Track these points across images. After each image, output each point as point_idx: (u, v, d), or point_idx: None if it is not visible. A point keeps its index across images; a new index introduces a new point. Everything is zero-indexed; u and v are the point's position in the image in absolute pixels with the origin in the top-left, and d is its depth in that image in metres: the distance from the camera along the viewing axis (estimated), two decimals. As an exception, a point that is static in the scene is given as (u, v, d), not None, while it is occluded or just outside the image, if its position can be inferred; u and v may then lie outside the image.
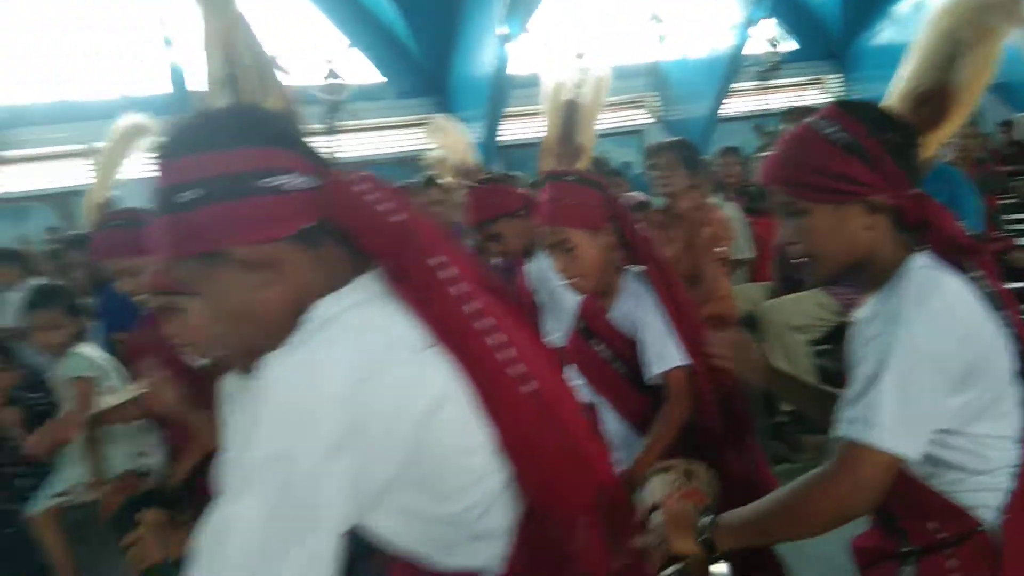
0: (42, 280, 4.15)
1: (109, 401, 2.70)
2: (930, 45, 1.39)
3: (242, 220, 0.87)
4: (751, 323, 3.55)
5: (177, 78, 8.28)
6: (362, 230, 0.92)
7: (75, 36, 8.98)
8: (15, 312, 4.21)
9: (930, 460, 1.19)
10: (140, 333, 2.31)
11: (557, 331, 2.12)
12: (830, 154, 1.21)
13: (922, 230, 1.24)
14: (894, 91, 1.40)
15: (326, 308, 0.89)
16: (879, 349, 1.14)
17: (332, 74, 9.31)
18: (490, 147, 9.21)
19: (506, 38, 8.54)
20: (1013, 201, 5.77)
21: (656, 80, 10.80)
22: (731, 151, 5.34)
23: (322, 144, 0.98)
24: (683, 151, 3.42)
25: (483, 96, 9.03)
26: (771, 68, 10.85)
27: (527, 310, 2.32)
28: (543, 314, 2.42)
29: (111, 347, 3.04)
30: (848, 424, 1.15)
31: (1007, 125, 8.30)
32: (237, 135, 0.89)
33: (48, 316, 2.74)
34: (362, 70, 9.98)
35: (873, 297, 1.25)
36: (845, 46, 11.32)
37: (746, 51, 9.88)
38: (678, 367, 1.86)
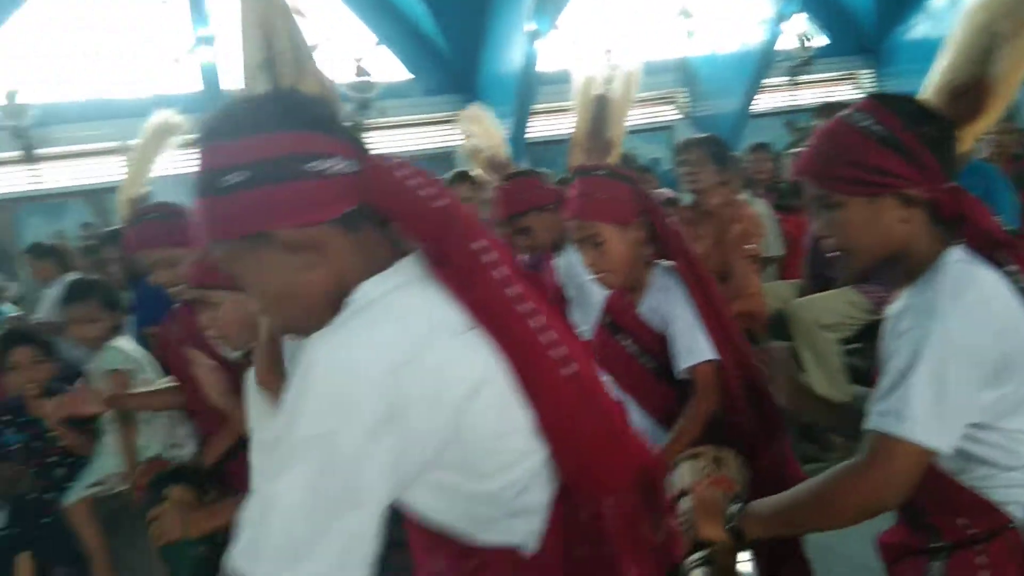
0: (79, 275, 4.23)
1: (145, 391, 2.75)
2: (966, 38, 1.37)
3: (286, 204, 0.88)
4: (780, 321, 3.53)
5: (208, 77, 8.38)
6: (404, 214, 0.93)
7: (109, 36, 9.12)
8: (52, 306, 4.31)
9: (961, 455, 1.17)
10: (170, 326, 2.35)
11: (585, 326, 2.12)
12: (865, 147, 1.20)
13: (957, 224, 1.23)
14: (929, 85, 1.38)
15: (368, 291, 0.90)
16: (913, 342, 1.13)
17: (361, 71, 9.36)
18: (518, 144, 9.20)
19: (535, 35, 8.53)
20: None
21: (685, 76, 10.72)
22: (761, 147, 5.31)
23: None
24: (713, 147, 3.41)
25: (511, 93, 9.03)
26: (802, 63, 10.71)
27: (556, 304, 2.32)
28: (571, 308, 2.42)
29: (144, 341, 3.10)
30: (879, 417, 1.14)
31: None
32: (281, 119, 0.90)
33: (84, 310, 2.80)
34: (390, 68, 10.02)
35: (906, 291, 1.24)
36: (878, 41, 11.15)
37: (777, 46, 9.77)
38: (706, 361, 1.86)
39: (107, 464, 2.79)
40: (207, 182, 0.90)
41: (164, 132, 2.50)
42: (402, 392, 0.83)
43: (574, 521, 0.96)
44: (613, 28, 10.58)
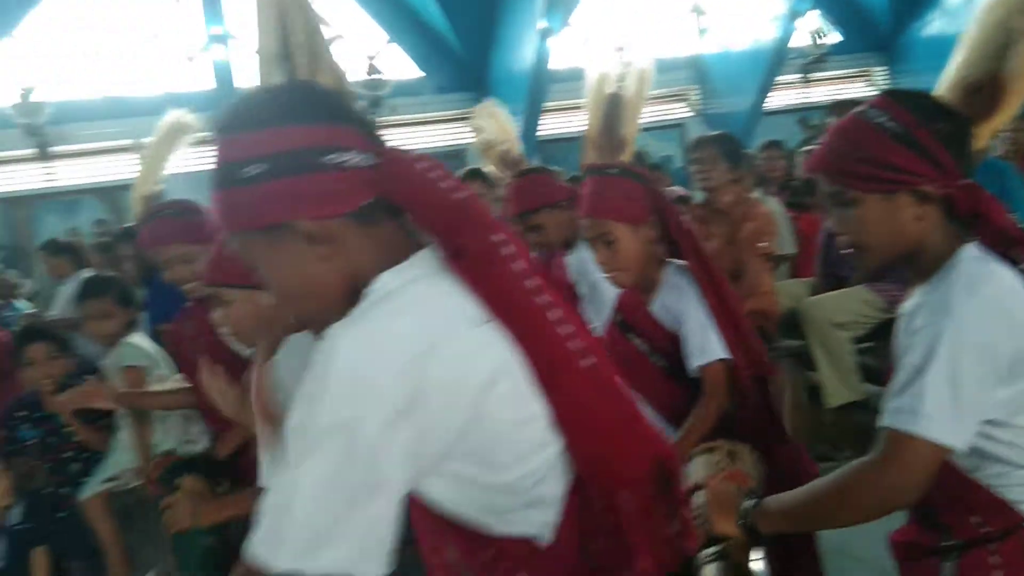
0: (94, 272, 4.27)
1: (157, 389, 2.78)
2: (982, 35, 1.36)
3: (304, 196, 0.89)
4: (793, 320, 3.51)
5: (222, 75, 8.42)
6: (424, 206, 0.94)
7: (123, 35, 9.17)
8: (68, 303, 4.34)
9: (975, 452, 1.17)
10: (183, 323, 2.36)
11: (597, 323, 2.12)
12: (879, 143, 1.20)
13: (972, 221, 1.22)
14: (944, 82, 1.37)
15: (387, 282, 0.91)
16: (927, 339, 1.13)
17: (372, 69, 9.38)
18: (530, 141, 9.20)
19: (546, 32, 8.53)
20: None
21: (697, 73, 10.69)
22: (774, 145, 5.28)
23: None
24: (725, 145, 3.40)
25: (523, 91, 9.03)
26: (815, 60, 10.66)
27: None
28: (583, 306, 2.42)
29: (157, 337, 3.12)
30: (894, 414, 1.14)
31: (1061, 118, 8.05)
32: (300, 112, 0.91)
33: (100, 306, 2.82)
34: (402, 65, 10.04)
35: (920, 288, 1.23)
36: (893, 38, 11.08)
37: (790, 43, 9.72)
38: (718, 361, 1.85)
39: (122, 460, 2.81)
40: (226, 174, 0.91)
41: (177, 131, 2.52)
42: (421, 382, 0.83)
43: (589, 513, 0.96)
44: (625, 25, 10.55)
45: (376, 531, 0.84)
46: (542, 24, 8.47)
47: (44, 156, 8.67)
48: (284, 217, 0.90)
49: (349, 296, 0.92)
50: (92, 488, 2.86)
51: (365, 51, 9.55)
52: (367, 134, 0.94)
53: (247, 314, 1.69)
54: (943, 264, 1.20)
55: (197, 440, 2.63)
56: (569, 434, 0.94)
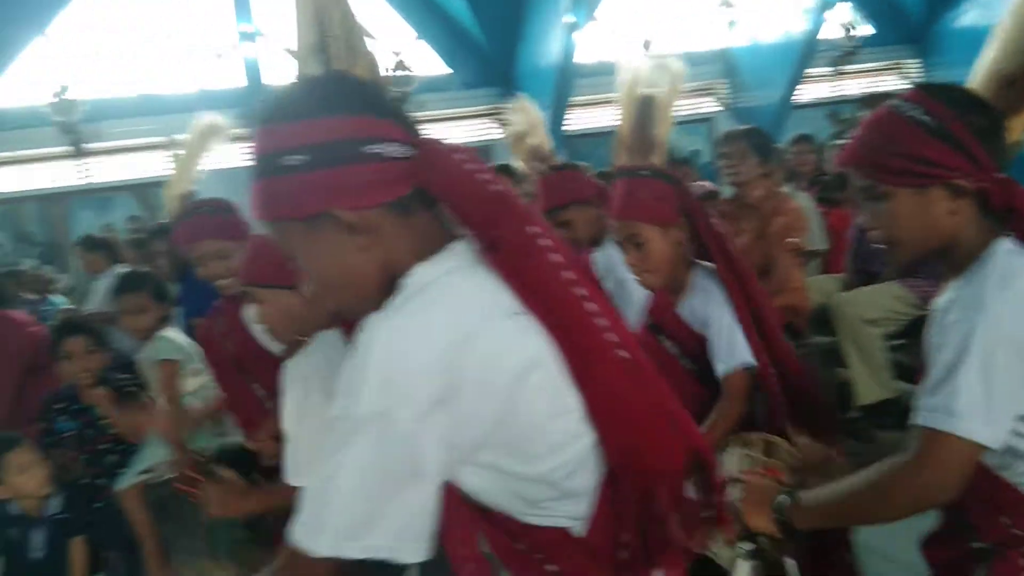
0: (129, 267, 4.34)
1: (192, 383, 2.83)
2: (1016, 27, 1.34)
3: (344, 186, 0.90)
4: (824, 316, 3.49)
5: (252, 72, 8.51)
6: (461, 198, 0.95)
7: (155, 33, 9.30)
8: (103, 298, 4.42)
9: (1006, 450, 1.16)
10: (214, 320, 2.40)
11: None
12: (913, 136, 1.19)
13: (1006, 215, 1.21)
14: (977, 74, 1.36)
15: (423, 274, 0.92)
16: (960, 335, 1.12)
17: (400, 66, 9.42)
18: (556, 136, 9.18)
19: (573, 27, 8.50)
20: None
21: (726, 67, 10.60)
22: (804, 139, 5.23)
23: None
24: (755, 139, 3.37)
25: (549, 85, 9.01)
26: (847, 53, 10.51)
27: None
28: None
29: (191, 332, 3.17)
30: (928, 413, 1.13)
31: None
32: (340, 103, 0.92)
33: (135, 301, 2.87)
34: (428, 62, 10.07)
35: (953, 284, 1.22)
36: (925, 30, 10.89)
37: (821, 36, 9.60)
38: (741, 367, 1.85)
39: (157, 452, 2.86)
40: (267, 163, 0.92)
41: (210, 133, 2.55)
42: (456, 373, 0.85)
43: (622, 505, 0.97)
44: (652, 18, 10.49)
45: (414, 517, 0.85)
46: (568, 18, 8.45)
47: (79, 153, 8.81)
48: (324, 207, 0.91)
49: (385, 286, 0.94)
50: (128, 479, 2.91)
51: (392, 48, 9.59)
52: (405, 125, 0.95)
53: (280, 312, 1.72)
54: (976, 259, 1.19)
55: (229, 432, 2.67)
56: (603, 425, 0.95)
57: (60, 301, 5.97)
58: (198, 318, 2.86)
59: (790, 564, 1.37)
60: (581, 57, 8.82)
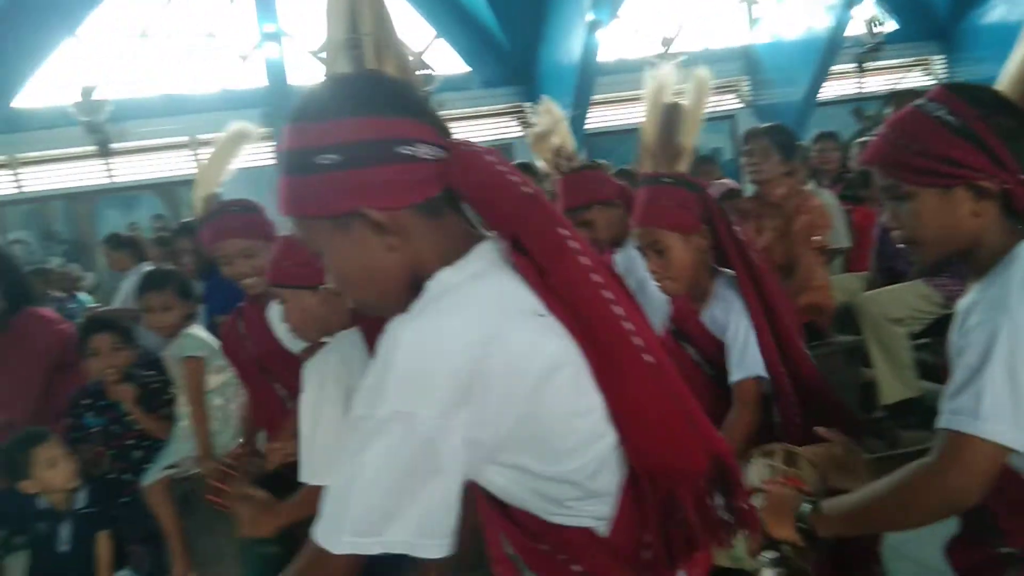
0: (154, 265, 4.39)
1: (216, 380, 2.85)
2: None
3: (375, 186, 0.90)
4: (848, 315, 3.45)
5: (274, 72, 8.57)
6: (492, 200, 0.95)
7: (179, 34, 9.40)
8: (129, 295, 4.48)
9: None
10: (236, 320, 2.42)
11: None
12: (938, 136, 1.18)
13: (1033, 217, 1.19)
14: (1005, 73, 1.34)
15: (448, 278, 0.93)
16: (984, 337, 1.11)
17: (421, 65, 9.45)
18: (577, 135, 9.17)
19: (595, 25, 8.49)
20: None
21: (749, 64, 10.53)
22: (828, 137, 5.17)
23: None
24: (778, 137, 3.34)
25: (570, 84, 9.00)
26: (871, 50, 10.41)
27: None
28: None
29: (215, 330, 3.20)
30: (952, 416, 1.12)
31: None
32: (375, 103, 0.92)
33: (161, 298, 2.90)
34: (449, 60, 10.10)
35: (977, 285, 1.21)
36: (951, 26, 10.76)
37: (845, 32, 9.51)
38: (751, 378, 1.84)
39: (182, 448, 2.89)
40: (298, 161, 0.92)
41: (238, 139, 2.58)
42: (479, 374, 0.85)
43: (645, 506, 0.97)
44: (675, 16, 10.44)
45: (435, 512, 0.86)
46: (590, 17, 8.43)
47: (104, 153, 8.94)
48: (355, 206, 0.91)
49: (411, 287, 0.94)
50: (153, 475, 2.94)
51: (413, 46, 9.62)
52: (437, 126, 0.95)
53: (306, 312, 1.74)
54: (1000, 260, 1.18)
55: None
56: (626, 428, 0.95)
57: (86, 299, 6.06)
58: (223, 315, 2.89)
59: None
60: (603, 55, 8.80)
